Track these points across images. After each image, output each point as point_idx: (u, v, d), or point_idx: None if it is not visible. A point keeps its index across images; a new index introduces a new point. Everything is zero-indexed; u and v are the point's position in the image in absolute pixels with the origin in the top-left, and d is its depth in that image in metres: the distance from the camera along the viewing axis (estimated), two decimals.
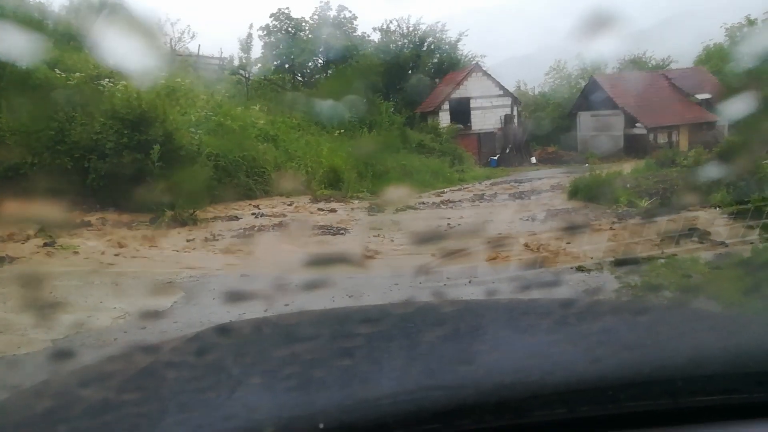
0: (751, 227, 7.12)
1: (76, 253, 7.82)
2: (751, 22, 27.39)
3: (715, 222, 8.00)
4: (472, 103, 27.10)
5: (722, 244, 7.19)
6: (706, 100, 25.05)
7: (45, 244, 7.94)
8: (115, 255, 7.89)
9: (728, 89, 25.17)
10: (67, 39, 16.89)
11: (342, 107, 21.13)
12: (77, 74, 12.85)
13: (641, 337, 1.23)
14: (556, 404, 0.93)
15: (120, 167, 11.04)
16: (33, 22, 16.77)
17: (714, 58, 30.23)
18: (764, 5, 24.14)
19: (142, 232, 9.28)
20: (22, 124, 11.35)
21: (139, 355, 1.54)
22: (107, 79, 13.05)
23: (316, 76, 29.03)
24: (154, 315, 5.27)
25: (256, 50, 27.78)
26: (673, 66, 30.85)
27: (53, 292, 5.99)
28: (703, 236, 7.51)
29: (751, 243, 6.74)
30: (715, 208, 8.84)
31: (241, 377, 1.18)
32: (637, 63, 32.19)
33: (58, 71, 12.73)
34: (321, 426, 0.87)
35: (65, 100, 11.89)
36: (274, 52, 28.89)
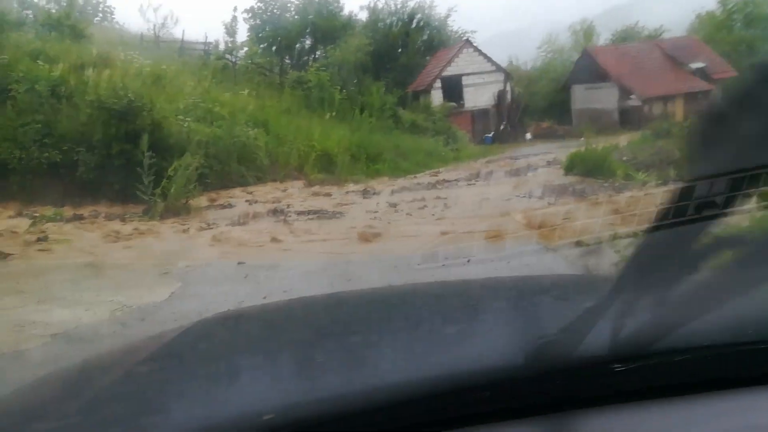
0: (747, 195, 7.12)
1: (69, 246, 7.74)
2: None
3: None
4: (464, 80, 26.84)
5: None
6: (700, 68, 24.91)
7: (38, 239, 7.84)
8: (109, 248, 7.82)
9: (720, 56, 25.06)
10: (48, 29, 16.57)
11: (332, 89, 20.94)
12: (60, 65, 12.61)
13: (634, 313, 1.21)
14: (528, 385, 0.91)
15: (109, 158, 10.89)
16: (13, 13, 16.45)
17: (706, 26, 30.02)
18: None
19: (135, 223, 9.18)
20: (8, 118, 11.16)
21: (137, 347, 1.57)
22: (91, 69, 12.81)
23: (305, 58, 28.67)
24: (151, 307, 5.22)
25: (242, 34, 27.32)
26: (665, 35, 30.58)
27: (49, 287, 5.93)
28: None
29: (749, 211, 6.74)
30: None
31: (239, 365, 1.20)
32: (629, 33, 31.92)
33: (40, 62, 12.49)
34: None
35: (50, 92, 11.68)
36: (260, 35, 28.46)
